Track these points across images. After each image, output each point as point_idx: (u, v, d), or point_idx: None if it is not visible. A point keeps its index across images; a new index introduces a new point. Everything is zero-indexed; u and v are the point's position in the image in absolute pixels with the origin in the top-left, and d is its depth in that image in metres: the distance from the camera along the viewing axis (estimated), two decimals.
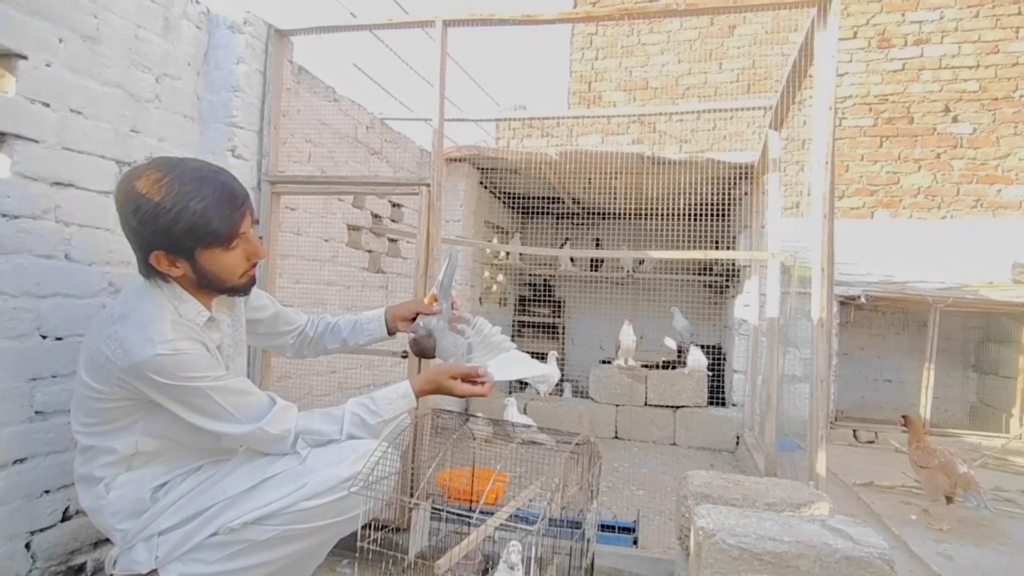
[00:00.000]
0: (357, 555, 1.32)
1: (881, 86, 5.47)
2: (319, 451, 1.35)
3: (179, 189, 1.23)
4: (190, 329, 1.30)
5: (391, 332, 1.73)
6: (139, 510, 1.32)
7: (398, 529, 1.88)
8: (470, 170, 4.56)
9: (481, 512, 1.36)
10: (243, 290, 1.41)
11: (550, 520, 1.37)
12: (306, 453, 1.34)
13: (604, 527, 2.09)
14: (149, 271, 1.30)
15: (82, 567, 1.69)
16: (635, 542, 2.03)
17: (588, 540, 1.61)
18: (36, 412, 1.55)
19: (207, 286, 1.34)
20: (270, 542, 1.29)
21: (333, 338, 1.74)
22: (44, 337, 1.57)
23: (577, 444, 1.48)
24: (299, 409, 1.42)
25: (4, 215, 1.46)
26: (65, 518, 1.64)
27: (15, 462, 1.50)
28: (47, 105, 1.55)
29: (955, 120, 5.30)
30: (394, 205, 3.50)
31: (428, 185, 2.08)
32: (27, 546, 1.54)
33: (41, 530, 1.57)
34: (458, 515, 1.51)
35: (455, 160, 4.43)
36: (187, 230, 1.24)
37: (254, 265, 1.40)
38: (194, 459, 1.39)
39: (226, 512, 1.29)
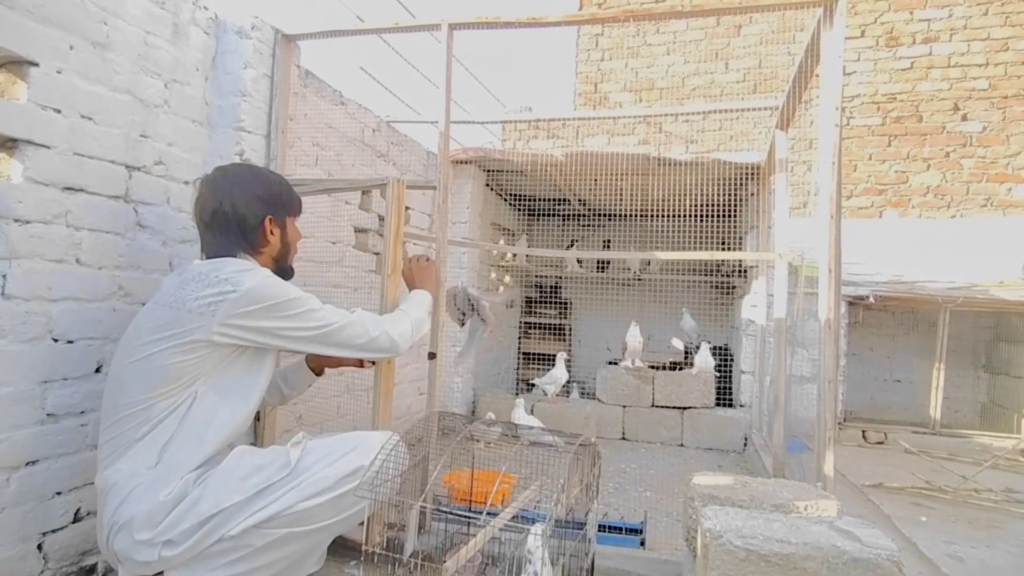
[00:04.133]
0: (362, 557, 1.33)
1: (889, 85, 5.43)
2: (307, 453, 1.37)
3: (268, 173, 1.65)
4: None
5: (318, 373, 1.85)
6: (155, 520, 1.32)
7: (402, 528, 1.89)
8: (476, 172, 4.57)
9: (486, 513, 1.36)
10: (291, 271, 1.65)
11: (556, 521, 1.38)
12: (295, 457, 1.36)
13: (611, 528, 2.09)
14: (224, 249, 1.49)
15: (93, 568, 1.71)
16: (642, 543, 2.03)
17: (589, 541, 1.61)
18: (48, 415, 1.57)
19: (279, 259, 1.60)
20: (272, 545, 1.32)
21: (271, 394, 1.81)
22: (56, 340, 1.59)
23: (580, 445, 1.48)
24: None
25: (16, 220, 1.48)
26: (77, 519, 1.65)
27: (27, 464, 1.52)
28: (58, 111, 1.57)
29: (964, 118, 5.26)
30: None
31: (435, 187, 2.09)
32: (39, 547, 1.56)
33: (53, 531, 1.59)
34: (463, 516, 1.52)
35: (461, 162, 4.44)
36: (288, 196, 1.60)
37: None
38: (219, 443, 1.40)
39: (226, 523, 1.30)
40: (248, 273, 1.40)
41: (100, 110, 1.68)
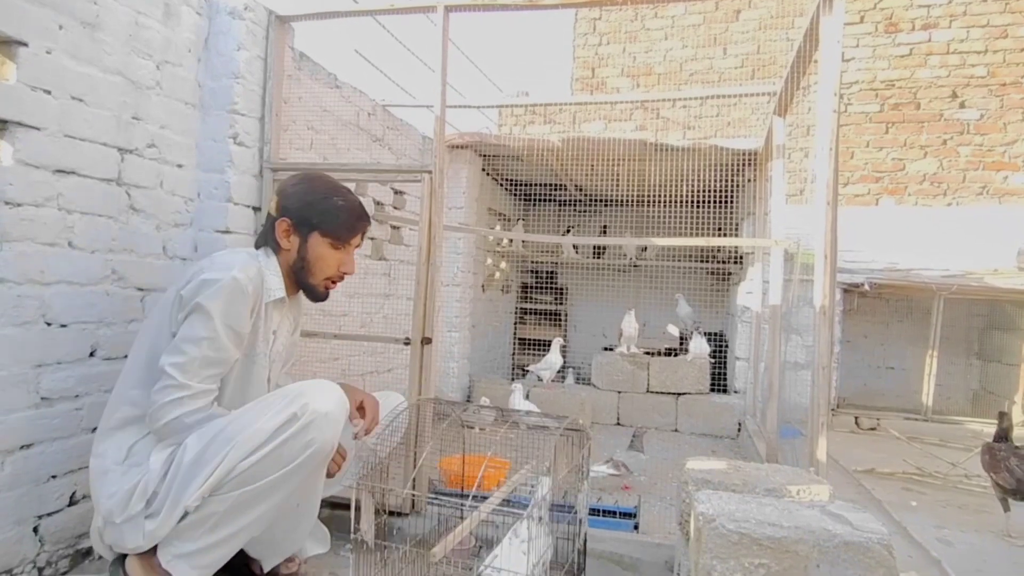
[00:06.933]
0: (351, 544, 1.34)
1: (888, 71, 5.41)
2: (242, 415, 1.38)
3: (336, 187, 1.62)
4: (259, 294, 1.48)
5: None
6: (126, 500, 1.36)
7: (398, 514, 1.90)
8: (473, 157, 4.54)
9: (475, 497, 1.38)
10: (317, 294, 1.63)
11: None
12: (227, 422, 1.37)
13: (606, 512, 2.10)
14: (264, 240, 1.59)
15: (89, 551, 1.71)
16: (636, 527, 2.05)
17: (580, 522, 1.63)
18: (42, 398, 1.57)
19: (298, 272, 1.58)
20: (235, 508, 1.34)
21: None
22: (49, 324, 1.58)
23: (567, 428, 1.49)
24: None
25: (7, 203, 1.46)
26: (72, 503, 1.66)
27: (22, 447, 1.52)
28: (48, 92, 1.55)
29: (962, 106, 5.25)
30: (396, 192, 3.50)
31: (430, 172, 2.07)
32: (35, 530, 1.56)
33: (49, 514, 1.59)
34: (450, 500, 1.53)
35: (457, 147, 4.41)
36: (321, 211, 1.56)
37: (340, 279, 1.64)
38: None
39: (183, 495, 1.32)
40: (228, 264, 1.42)
41: (91, 91, 1.66)
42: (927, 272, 4.35)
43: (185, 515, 1.33)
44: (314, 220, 1.56)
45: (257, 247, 1.61)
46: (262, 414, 1.35)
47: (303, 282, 1.60)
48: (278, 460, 1.33)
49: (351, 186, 2.97)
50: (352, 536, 1.34)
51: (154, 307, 1.53)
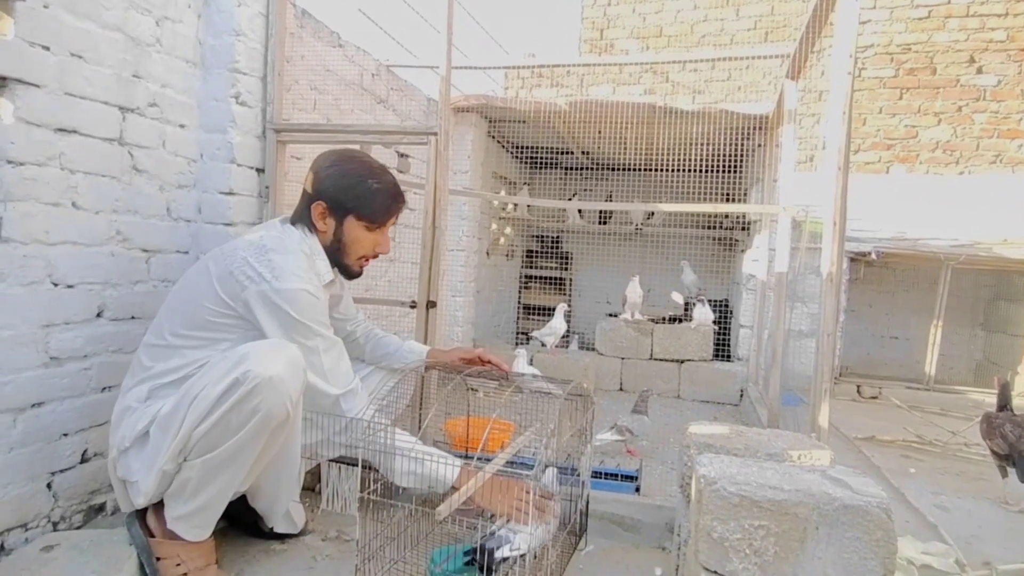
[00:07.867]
0: (358, 503, 1.36)
1: (905, 35, 5.27)
2: (199, 378, 1.37)
3: (371, 169, 1.62)
4: (319, 285, 1.55)
5: (427, 368, 1.91)
6: (136, 434, 1.42)
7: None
8: (478, 120, 4.48)
9: (479, 458, 1.39)
10: (352, 272, 1.67)
11: (547, 466, 1.42)
12: (197, 376, 1.38)
13: (607, 475, 2.13)
14: (300, 217, 1.60)
15: (102, 506, 1.75)
16: (637, 490, 2.07)
17: (583, 484, 1.65)
18: (52, 358, 1.58)
19: (333, 253, 1.62)
20: (207, 475, 1.35)
21: (374, 351, 1.92)
22: (55, 284, 1.58)
23: (571, 393, 1.50)
24: None
25: (9, 162, 1.45)
26: (84, 460, 1.69)
27: (33, 406, 1.54)
28: (47, 48, 1.52)
29: (979, 71, 5.12)
30: (401, 155, 3.46)
31: (436, 134, 2.05)
32: (48, 486, 1.60)
33: (62, 471, 1.63)
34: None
35: (463, 110, 4.35)
36: (356, 195, 1.57)
37: (373, 257, 1.67)
38: None
39: (162, 443, 1.35)
40: (293, 273, 1.46)
41: (90, 48, 1.63)
42: (935, 242, 4.31)
43: (172, 480, 1.37)
44: (349, 204, 1.58)
45: (293, 222, 1.62)
46: (211, 377, 1.34)
47: (338, 262, 1.64)
48: (227, 428, 1.31)
49: (355, 148, 2.95)
50: (359, 495, 1.37)
51: (203, 276, 1.50)
